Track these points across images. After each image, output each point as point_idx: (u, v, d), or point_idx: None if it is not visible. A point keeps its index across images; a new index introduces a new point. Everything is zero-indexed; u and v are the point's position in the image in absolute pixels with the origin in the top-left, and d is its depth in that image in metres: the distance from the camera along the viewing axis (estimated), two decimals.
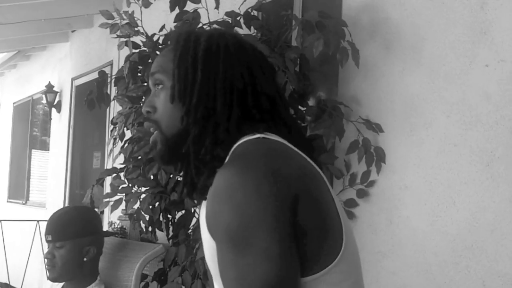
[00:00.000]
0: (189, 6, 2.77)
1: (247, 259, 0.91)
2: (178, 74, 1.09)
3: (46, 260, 2.08)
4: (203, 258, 2.39)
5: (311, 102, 2.84)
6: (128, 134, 2.87)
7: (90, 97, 3.14)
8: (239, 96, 1.07)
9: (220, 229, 0.94)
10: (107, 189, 3.45)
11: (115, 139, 2.92)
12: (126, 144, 2.78)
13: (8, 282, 6.45)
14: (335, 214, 1.01)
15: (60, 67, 6.95)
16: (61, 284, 2.16)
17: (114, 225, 4.04)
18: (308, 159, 1.05)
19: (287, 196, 0.93)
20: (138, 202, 2.66)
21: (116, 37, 2.89)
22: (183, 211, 2.73)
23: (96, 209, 2.50)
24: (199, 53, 1.09)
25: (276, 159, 0.98)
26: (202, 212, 1.13)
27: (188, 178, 1.11)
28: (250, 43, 1.17)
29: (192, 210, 2.73)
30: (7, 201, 8.61)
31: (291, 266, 0.93)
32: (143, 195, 2.67)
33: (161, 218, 2.72)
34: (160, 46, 2.80)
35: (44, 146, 7.81)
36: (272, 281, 0.90)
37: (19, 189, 8.15)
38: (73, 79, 6.40)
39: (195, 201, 1.18)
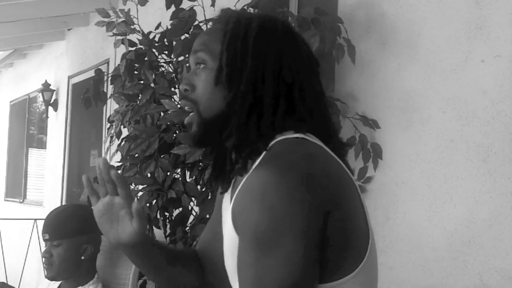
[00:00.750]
0: (185, 4, 2.76)
1: (268, 260, 0.90)
2: (226, 57, 1.05)
3: (43, 259, 2.07)
4: None
5: None
6: (125, 132, 2.87)
7: (86, 95, 3.14)
8: (286, 90, 1.04)
9: (247, 226, 0.94)
10: None
11: (112, 137, 2.92)
12: (123, 142, 2.77)
13: (5, 281, 6.43)
14: (364, 226, 1.00)
15: (56, 65, 6.93)
16: (58, 282, 2.16)
17: None
18: (343, 165, 1.04)
19: (320, 206, 0.92)
20: (136, 200, 2.66)
21: (112, 35, 2.89)
22: (181, 209, 2.73)
23: (93, 207, 2.49)
24: (250, 39, 1.05)
25: (314, 165, 0.97)
26: (226, 202, 1.13)
27: (219, 164, 1.10)
28: (300, 35, 1.12)
29: (190, 208, 2.73)
30: (4, 200, 8.60)
31: (310, 275, 0.92)
32: (140, 193, 2.67)
33: (158, 216, 2.72)
34: (156, 44, 2.80)
35: (41, 144, 7.80)
36: (288, 287, 0.89)
37: (16, 187, 8.14)
38: (69, 77, 6.38)
39: (220, 188, 1.16)
